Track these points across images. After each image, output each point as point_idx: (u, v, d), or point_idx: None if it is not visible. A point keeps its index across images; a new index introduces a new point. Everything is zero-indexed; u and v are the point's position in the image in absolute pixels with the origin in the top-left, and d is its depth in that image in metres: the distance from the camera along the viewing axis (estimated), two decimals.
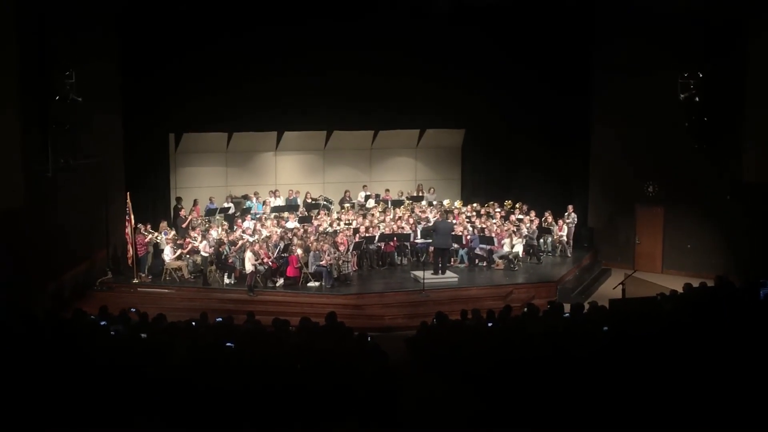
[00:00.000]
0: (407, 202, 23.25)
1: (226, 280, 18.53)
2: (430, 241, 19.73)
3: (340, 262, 18.52)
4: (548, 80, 22.54)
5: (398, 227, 20.72)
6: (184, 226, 20.56)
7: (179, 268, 18.81)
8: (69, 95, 15.97)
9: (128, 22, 19.70)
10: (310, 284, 18.26)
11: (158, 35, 20.02)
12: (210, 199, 22.17)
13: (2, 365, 8.52)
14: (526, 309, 13.46)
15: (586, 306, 12.79)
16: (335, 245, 18.70)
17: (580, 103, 23.12)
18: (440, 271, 19.00)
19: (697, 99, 19.20)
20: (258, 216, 21.54)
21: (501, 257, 20.22)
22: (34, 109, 15.57)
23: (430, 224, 20.32)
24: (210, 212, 21.47)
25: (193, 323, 12.20)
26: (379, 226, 20.62)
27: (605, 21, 22.25)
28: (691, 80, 19.16)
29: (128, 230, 18.55)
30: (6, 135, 14.91)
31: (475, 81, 22.59)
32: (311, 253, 18.33)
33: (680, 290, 13.64)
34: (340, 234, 19.43)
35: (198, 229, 19.97)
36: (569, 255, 21.76)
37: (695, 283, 13.91)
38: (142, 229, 19.08)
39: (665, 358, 8.74)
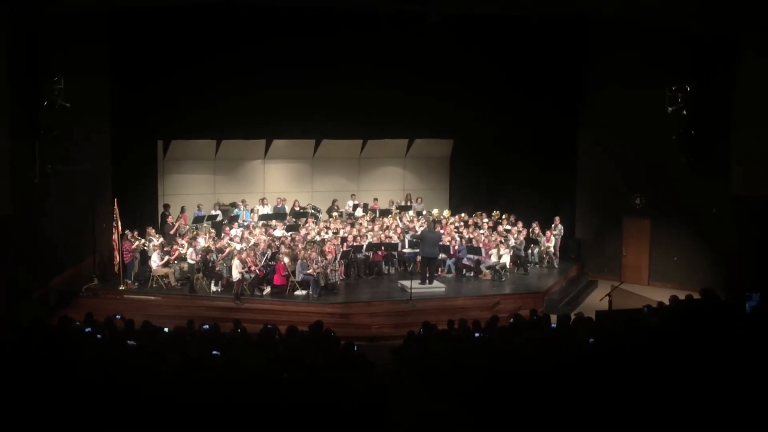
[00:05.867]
0: (395, 211, 23.25)
1: (213, 288, 18.47)
2: (418, 250, 19.76)
3: (328, 270, 18.49)
4: (537, 92, 22.54)
5: (386, 236, 20.72)
6: (171, 233, 20.53)
7: (166, 275, 18.74)
8: (57, 101, 15.94)
9: (118, 30, 19.63)
10: (297, 293, 18.22)
11: (148, 43, 19.92)
12: (198, 207, 22.11)
13: None
14: (512, 320, 13.48)
15: (573, 317, 12.81)
16: (323, 254, 18.67)
17: (569, 115, 23.18)
18: (428, 281, 19.01)
19: (684, 112, 19.33)
20: (246, 224, 21.51)
21: (488, 267, 20.24)
22: (22, 115, 15.50)
23: (418, 234, 20.33)
24: (197, 220, 21.43)
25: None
26: (366, 236, 20.62)
27: (595, 35, 22.36)
28: (679, 93, 19.29)
29: (115, 237, 18.50)
30: None
31: (464, 92, 22.46)
32: (299, 262, 18.30)
33: (666, 302, 13.67)
34: (328, 243, 19.40)
35: (185, 236, 19.92)
36: (556, 266, 21.82)
37: (681, 296, 13.93)
38: (129, 235, 18.98)
39: (651, 370, 8.76)
